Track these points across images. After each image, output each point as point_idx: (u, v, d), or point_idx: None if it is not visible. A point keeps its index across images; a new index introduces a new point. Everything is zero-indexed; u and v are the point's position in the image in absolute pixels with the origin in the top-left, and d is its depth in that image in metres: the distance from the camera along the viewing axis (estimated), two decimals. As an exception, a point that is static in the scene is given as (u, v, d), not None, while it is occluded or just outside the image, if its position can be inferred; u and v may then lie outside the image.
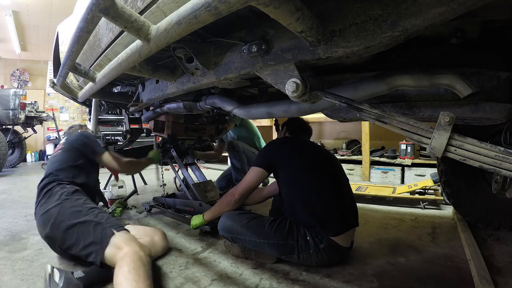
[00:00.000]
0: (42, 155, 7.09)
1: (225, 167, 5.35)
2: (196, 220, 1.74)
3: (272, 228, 1.40)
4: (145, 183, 3.64)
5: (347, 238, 1.41)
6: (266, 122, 4.80)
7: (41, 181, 1.62)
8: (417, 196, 2.61)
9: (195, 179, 2.36)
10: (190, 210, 2.10)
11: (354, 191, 1.80)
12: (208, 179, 2.40)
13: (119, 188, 2.70)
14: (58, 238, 1.37)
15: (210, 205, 1.92)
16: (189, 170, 2.43)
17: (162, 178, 2.64)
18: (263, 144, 3.21)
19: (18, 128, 5.45)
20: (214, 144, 3.26)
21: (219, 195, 2.26)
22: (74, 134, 1.97)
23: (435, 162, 2.41)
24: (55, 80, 1.56)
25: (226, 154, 6.05)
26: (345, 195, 1.47)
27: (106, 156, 1.87)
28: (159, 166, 2.62)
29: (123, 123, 2.51)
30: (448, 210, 2.37)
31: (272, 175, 1.58)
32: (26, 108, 5.12)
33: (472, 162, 0.60)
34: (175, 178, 2.73)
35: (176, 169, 2.46)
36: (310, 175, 1.44)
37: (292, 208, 1.44)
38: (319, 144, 4.21)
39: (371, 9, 0.62)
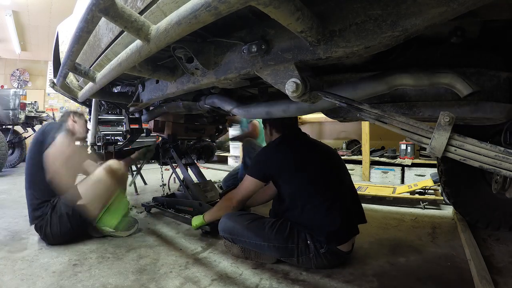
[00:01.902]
0: (42, 155, 7.08)
1: (224, 167, 5.36)
2: (197, 220, 1.74)
3: (273, 230, 1.40)
4: (145, 183, 3.64)
5: (349, 243, 1.40)
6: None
7: None
8: (417, 196, 2.61)
9: (194, 179, 2.36)
10: (189, 210, 2.10)
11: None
12: (208, 179, 2.40)
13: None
14: None
15: (210, 205, 1.92)
16: (189, 170, 2.43)
17: (162, 178, 2.64)
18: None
19: (18, 128, 5.43)
20: (215, 143, 3.22)
21: (221, 194, 2.25)
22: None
23: (435, 162, 2.41)
24: (55, 80, 1.56)
25: (227, 154, 6.01)
26: (348, 199, 1.45)
27: (51, 151, 1.52)
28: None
29: (123, 123, 2.51)
30: (448, 210, 2.37)
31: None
32: (26, 108, 5.11)
33: (472, 162, 0.60)
34: (174, 178, 2.73)
35: (176, 169, 2.47)
36: (311, 185, 1.40)
37: (294, 215, 1.42)
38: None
39: (371, 9, 0.62)
